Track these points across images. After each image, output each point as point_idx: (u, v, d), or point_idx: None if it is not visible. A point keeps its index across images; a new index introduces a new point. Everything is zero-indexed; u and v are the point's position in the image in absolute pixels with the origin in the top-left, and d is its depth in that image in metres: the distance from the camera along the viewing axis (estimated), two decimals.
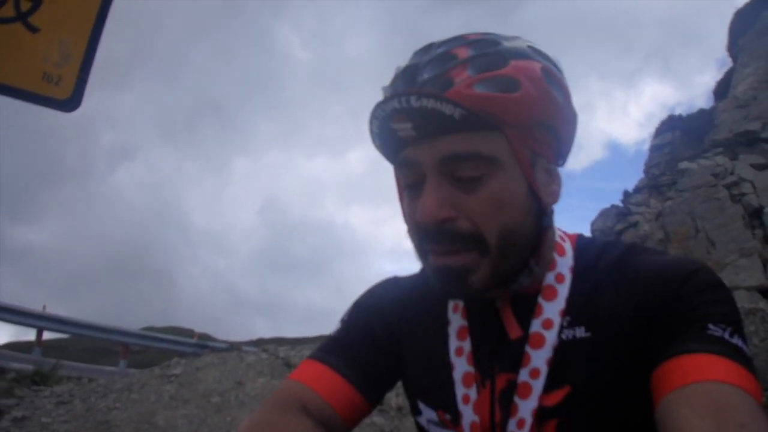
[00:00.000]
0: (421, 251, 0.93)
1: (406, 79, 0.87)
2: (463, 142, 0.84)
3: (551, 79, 0.89)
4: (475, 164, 0.85)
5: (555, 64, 0.93)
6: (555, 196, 0.94)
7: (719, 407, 0.72)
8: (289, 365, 6.86)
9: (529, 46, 0.91)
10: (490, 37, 0.89)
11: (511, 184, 0.87)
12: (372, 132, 0.91)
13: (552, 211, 0.95)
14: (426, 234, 0.88)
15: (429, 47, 0.90)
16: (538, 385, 0.90)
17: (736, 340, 0.81)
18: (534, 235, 0.92)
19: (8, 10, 1.87)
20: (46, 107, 1.95)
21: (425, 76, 0.85)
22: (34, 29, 1.90)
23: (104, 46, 2.01)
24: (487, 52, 0.86)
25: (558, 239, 1.00)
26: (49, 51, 1.93)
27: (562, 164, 0.96)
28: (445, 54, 0.86)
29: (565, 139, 0.93)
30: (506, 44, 0.88)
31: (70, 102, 1.97)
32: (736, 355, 0.79)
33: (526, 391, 0.90)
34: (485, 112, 0.83)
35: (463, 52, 0.86)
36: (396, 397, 5.95)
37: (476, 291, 0.88)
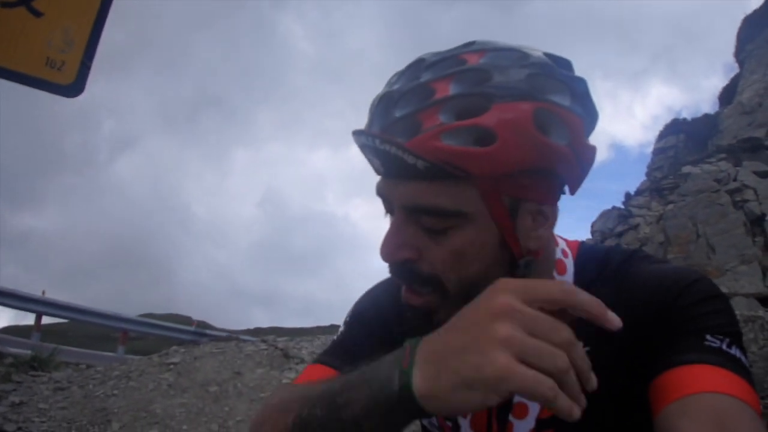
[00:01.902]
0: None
1: (382, 111, 0.82)
2: (426, 194, 0.79)
3: (547, 122, 0.78)
4: (439, 218, 0.81)
5: (572, 89, 0.82)
6: (540, 241, 0.87)
7: (718, 419, 0.72)
8: (287, 356, 6.87)
9: (534, 75, 0.80)
10: (483, 66, 0.80)
11: (479, 237, 0.82)
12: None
13: (530, 261, 0.87)
14: (389, 270, 0.88)
15: (416, 69, 0.83)
16: (534, 406, 0.90)
17: (735, 351, 0.81)
18: None
19: None
20: (48, 92, 1.96)
21: (396, 114, 0.79)
22: (38, 14, 1.90)
23: (107, 34, 2.01)
24: (471, 92, 0.78)
25: (560, 255, 0.97)
26: (53, 36, 1.92)
27: (572, 193, 0.89)
28: (423, 87, 0.79)
29: (570, 175, 0.86)
30: (498, 79, 0.78)
31: (73, 87, 1.97)
32: (735, 366, 0.79)
33: (523, 411, 0.91)
34: (451, 166, 0.76)
35: (444, 88, 0.78)
36: None
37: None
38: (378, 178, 0.87)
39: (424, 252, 0.83)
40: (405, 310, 0.89)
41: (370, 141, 0.81)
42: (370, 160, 0.85)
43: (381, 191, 0.86)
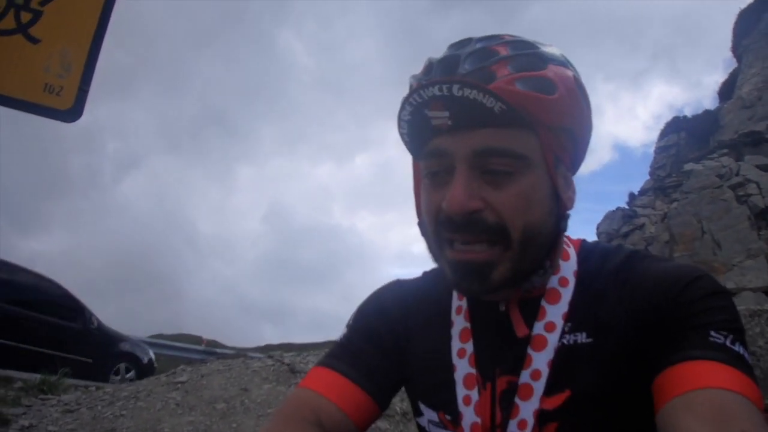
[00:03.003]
0: (439, 243, 0.92)
1: (446, 69, 0.87)
2: (498, 137, 0.84)
3: (581, 89, 0.92)
4: (508, 160, 0.85)
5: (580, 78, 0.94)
6: (571, 202, 0.95)
7: (720, 414, 0.72)
8: (294, 371, 6.86)
9: (562, 55, 0.92)
10: (527, 40, 0.91)
11: (539, 183, 0.88)
12: (401, 119, 0.89)
13: (568, 216, 0.96)
14: (450, 224, 0.88)
15: (467, 41, 0.90)
16: (539, 386, 0.90)
17: (738, 347, 0.81)
18: (552, 235, 0.93)
19: (9, 22, 1.88)
20: (47, 118, 1.96)
21: (467, 66, 0.85)
22: (34, 40, 1.92)
23: (107, 56, 2.02)
24: (526, 53, 0.88)
25: (563, 244, 1.00)
26: (50, 62, 1.94)
27: (574, 173, 0.97)
28: (485, 49, 0.87)
29: (581, 149, 0.95)
30: (543, 48, 0.90)
31: (72, 112, 1.98)
32: (738, 362, 0.79)
33: (528, 392, 0.91)
34: (524, 110, 0.83)
35: (503, 50, 0.87)
36: (401, 402, 5.94)
37: (494, 286, 0.89)
38: (434, 138, 0.88)
39: (490, 201, 0.86)
40: (454, 269, 0.90)
41: (445, 90, 0.82)
42: (429, 119, 0.86)
43: (442, 147, 0.87)
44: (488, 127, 0.84)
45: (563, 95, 0.86)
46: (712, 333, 0.82)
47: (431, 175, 0.91)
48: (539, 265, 0.93)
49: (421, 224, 0.97)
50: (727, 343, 0.81)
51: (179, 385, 6.57)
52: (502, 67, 0.85)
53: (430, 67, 0.90)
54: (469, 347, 0.99)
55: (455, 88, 0.81)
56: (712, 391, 0.75)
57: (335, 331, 1.14)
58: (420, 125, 0.88)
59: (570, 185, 0.95)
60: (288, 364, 7.03)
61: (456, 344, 1.01)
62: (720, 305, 0.86)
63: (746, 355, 0.82)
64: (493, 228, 0.86)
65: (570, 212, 0.96)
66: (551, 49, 0.91)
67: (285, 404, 1.02)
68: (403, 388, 1.11)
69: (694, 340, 0.82)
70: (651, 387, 0.83)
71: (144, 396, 6.38)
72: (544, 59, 0.88)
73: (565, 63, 0.91)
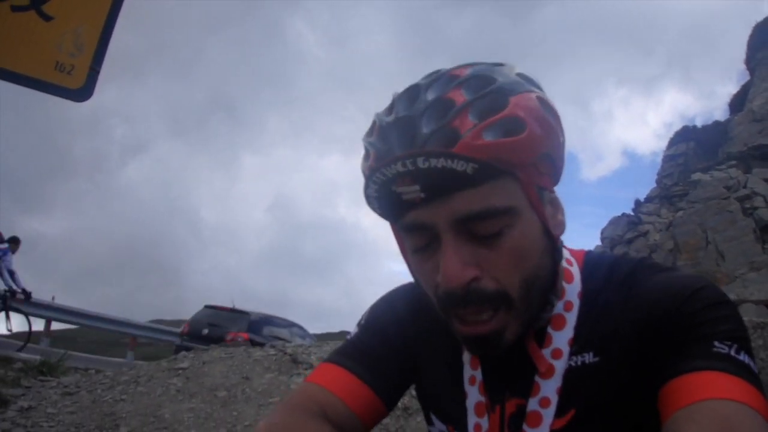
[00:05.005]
0: (446, 315, 0.88)
1: (403, 136, 0.80)
2: (477, 199, 0.79)
3: (546, 107, 0.84)
4: (493, 220, 0.81)
5: (541, 88, 0.89)
6: (562, 227, 0.91)
7: (726, 425, 0.72)
8: (296, 362, 6.86)
9: (518, 75, 0.86)
10: (480, 73, 0.84)
11: (529, 229, 0.84)
12: (369, 196, 0.85)
13: (561, 243, 0.93)
14: (449, 298, 0.83)
15: (415, 93, 0.84)
16: (548, 414, 0.90)
17: (743, 357, 0.80)
18: (552, 272, 0.90)
19: None
20: (58, 96, 1.96)
21: (425, 130, 0.79)
22: (47, 18, 1.90)
23: (118, 40, 2.02)
24: (485, 93, 0.80)
25: (565, 264, 0.98)
26: (63, 40, 1.93)
27: (555, 184, 0.92)
28: (440, 101, 0.80)
29: (560, 162, 0.90)
30: (500, 80, 0.82)
31: (82, 92, 1.98)
32: (743, 372, 0.78)
33: (537, 420, 0.90)
34: (497, 161, 0.77)
35: (459, 96, 0.80)
36: (402, 397, 5.95)
37: (508, 345, 0.87)
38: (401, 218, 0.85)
39: (484, 264, 0.82)
40: (466, 342, 0.88)
41: (409, 164, 0.77)
42: (400, 194, 0.81)
43: (419, 220, 0.82)
44: (465, 189, 0.78)
45: (532, 127, 0.79)
46: (716, 343, 0.81)
47: (419, 251, 0.87)
48: (545, 302, 0.91)
49: (418, 285, 0.94)
50: (732, 352, 0.80)
51: (180, 372, 6.58)
52: (464, 118, 0.78)
53: (384, 132, 0.83)
54: (479, 375, 0.98)
55: (419, 160, 0.76)
56: (716, 402, 0.74)
57: (336, 323, 1.15)
58: (391, 201, 0.83)
59: (557, 208, 0.91)
60: (290, 355, 7.04)
61: (467, 371, 1.00)
62: (724, 315, 0.85)
63: (752, 364, 0.81)
64: (494, 296, 0.83)
65: (565, 236, 0.93)
66: (508, 75, 0.84)
67: (290, 397, 1.01)
68: (409, 388, 1.11)
69: (699, 351, 0.81)
70: (657, 398, 0.82)
71: (144, 381, 6.40)
72: (504, 93, 0.80)
73: (525, 86, 0.84)
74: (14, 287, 10.83)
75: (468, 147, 0.76)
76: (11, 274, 10.85)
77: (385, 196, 0.83)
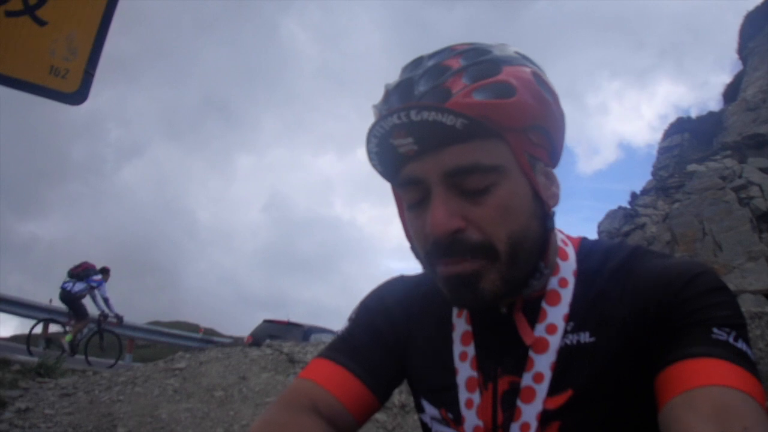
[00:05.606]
0: (430, 263, 0.91)
1: (402, 94, 0.87)
2: (466, 154, 0.84)
3: (542, 83, 0.89)
4: (480, 175, 0.85)
5: (541, 69, 0.93)
6: (556, 199, 0.94)
7: (723, 412, 0.72)
8: (292, 361, 6.87)
9: (516, 52, 0.91)
10: (478, 46, 0.89)
11: (517, 189, 0.87)
12: (370, 152, 0.90)
13: (554, 214, 0.95)
14: (436, 248, 0.87)
15: (419, 61, 0.90)
16: (542, 389, 0.90)
17: (741, 344, 0.81)
18: (541, 238, 0.91)
19: (16, 3, 1.87)
20: (52, 100, 1.96)
21: (421, 89, 0.85)
22: (41, 22, 1.91)
23: (112, 43, 2.02)
24: (479, 61, 0.86)
25: (560, 243, 1.00)
26: (57, 45, 1.93)
27: (555, 165, 0.96)
28: (437, 66, 0.86)
29: (557, 141, 0.94)
30: (496, 52, 0.88)
31: (77, 95, 1.98)
32: (740, 359, 0.79)
33: (530, 395, 0.90)
34: (486, 119, 0.82)
35: (456, 63, 0.86)
36: (399, 394, 5.95)
37: (487, 297, 0.88)
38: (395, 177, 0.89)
39: (471, 218, 0.86)
40: (445, 284, 0.90)
41: (403, 117, 0.82)
42: (396, 147, 0.86)
43: (413, 174, 0.87)
44: (454, 144, 0.83)
45: (523, 95, 0.84)
46: (715, 330, 0.81)
47: (413, 206, 0.91)
48: (533, 268, 0.92)
49: (412, 249, 0.96)
50: (730, 339, 0.80)
51: (177, 372, 6.59)
52: (457, 80, 0.84)
53: (388, 95, 0.90)
54: (471, 350, 0.99)
55: (413, 113, 0.81)
56: (714, 388, 0.75)
57: (333, 322, 1.15)
58: (388, 155, 0.88)
59: (552, 181, 0.94)
60: (287, 354, 7.05)
61: (458, 347, 1.01)
62: (722, 301, 0.85)
63: (749, 351, 0.81)
64: (478, 246, 0.85)
65: (558, 209, 0.95)
66: (506, 50, 0.90)
67: (283, 394, 1.02)
68: (402, 382, 1.11)
69: (697, 337, 0.81)
70: (654, 384, 0.83)
71: (141, 381, 6.40)
72: (498, 63, 0.86)
73: (519, 61, 0.89)
74: (108, 312, 12.12)
75: (458, 104, 0.82)
76: (105, 300, 12.08)
77: (383, 151, 0.88)
